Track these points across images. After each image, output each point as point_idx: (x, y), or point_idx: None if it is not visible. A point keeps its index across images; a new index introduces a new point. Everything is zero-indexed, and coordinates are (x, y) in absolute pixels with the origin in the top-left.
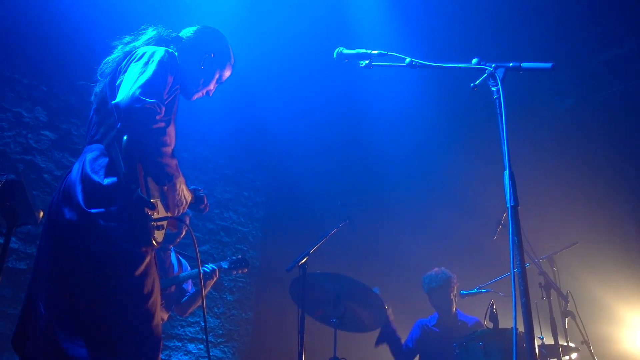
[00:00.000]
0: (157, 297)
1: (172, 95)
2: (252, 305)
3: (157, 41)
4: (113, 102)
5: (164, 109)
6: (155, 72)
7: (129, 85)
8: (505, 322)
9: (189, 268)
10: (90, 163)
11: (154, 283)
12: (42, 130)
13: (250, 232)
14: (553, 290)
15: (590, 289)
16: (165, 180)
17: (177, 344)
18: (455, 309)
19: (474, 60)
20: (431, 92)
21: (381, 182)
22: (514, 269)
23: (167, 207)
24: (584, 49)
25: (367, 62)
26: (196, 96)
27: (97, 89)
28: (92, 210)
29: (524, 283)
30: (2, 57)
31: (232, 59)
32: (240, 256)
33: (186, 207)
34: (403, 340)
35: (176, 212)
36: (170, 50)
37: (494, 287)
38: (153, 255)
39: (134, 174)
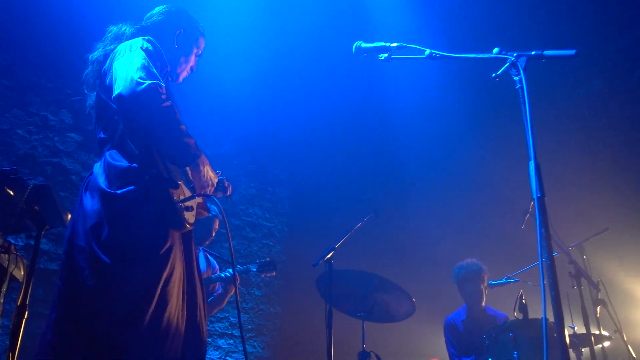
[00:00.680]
0: (176, 284)
1: (164, 78)
2: (279, 300)
3: (128, 37)
4: (114, 95)
5: (164, 88)
6: (143, 58)
7: (123, 76)
8: (536, 313)
9: (217, 267)
10: (110, 156)
11: (175, 269)
12: (68, 132)
13: (275, 227)
14: (584, 278)
15: (621, 276)
16: (188, 158)
17: (207, 339)
18: (485, 303)
19: (495, 50)
20: (453, 83)
21: (405, 174)
22: (542, 260)
23: (193, 191)
24: (610, 29)
25: (386, 55)
26: (182, 76)
27: (90, 101)
28: (118, 192)
29: (553, 275)
30: (27, 62)
31: (201, 28)
32: (268, 259)
33: (213, 189)
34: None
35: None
36: (147, 37)
37: (522, 276)
38: (184, 238)
39: (152, 158)
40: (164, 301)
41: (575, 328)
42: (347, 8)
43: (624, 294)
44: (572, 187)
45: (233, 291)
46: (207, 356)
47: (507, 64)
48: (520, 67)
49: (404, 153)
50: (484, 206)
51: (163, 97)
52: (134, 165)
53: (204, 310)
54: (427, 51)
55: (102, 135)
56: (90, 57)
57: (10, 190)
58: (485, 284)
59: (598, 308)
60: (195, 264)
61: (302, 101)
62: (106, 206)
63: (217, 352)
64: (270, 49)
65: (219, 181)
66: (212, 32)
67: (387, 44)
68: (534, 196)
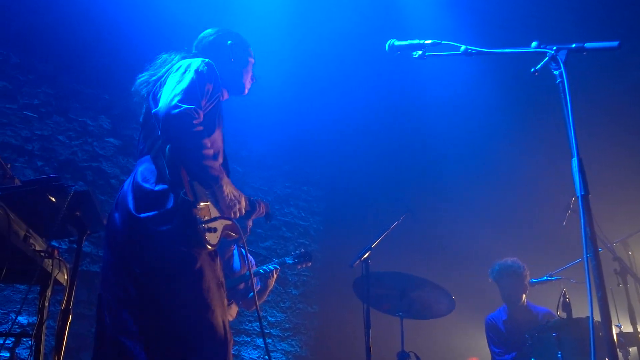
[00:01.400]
0: (216, 297)
1: (214, 103)
2: (317, 299)
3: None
4: (153, 111)
5: (202, 114)
6: (192, 80)
7: (167, 94)
8: (579, 311)
9: (254, 263)
10: (141, 174)
11: (211, 283)
12: (107, 137)
13: (311, 226)
14: (629, 275)
15: None
16: (211, 182)
17: (245, 339)
18: (526, 300)
19: (534, 44)
20: (488, 77)
21: (441, 171)
22: (587, 259)
23: (221, 212)
24: None
25: (420, 52)
26: (247, 87)
27: (143, 109)
28: (142, 215)
29: (599, 275)
30: (66, 69)
31: (245, 39)
32: (302, 250)
33: (241, 209)
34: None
35: (232, 216)
36: (207, 60)
37: (564, 274)
38: (210, 256)
39: (179, 179)
40: (213, 315)
41: (622, 327)
42: (379, 6)
43: None
44: (614, 181)
45: (270, 287)
46: (247, 355)
47: (547, 58)
48: (560, 61)
49: (439, 150)
50: (523, 202)
51: (196, 122)
52: (159, 187)
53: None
54: (463, 47)
55: (141, 145)
56: (138, 80)
57: (53, 197)
58: (526, 282)
59: None
60: (222, 280)
61: (336, 101)
62: (133, 228)
63: (256, 352)
64: (303, 49)
65: (252, 202)
66: (247, 34)
67: (421, 41)
68: (578, 194)
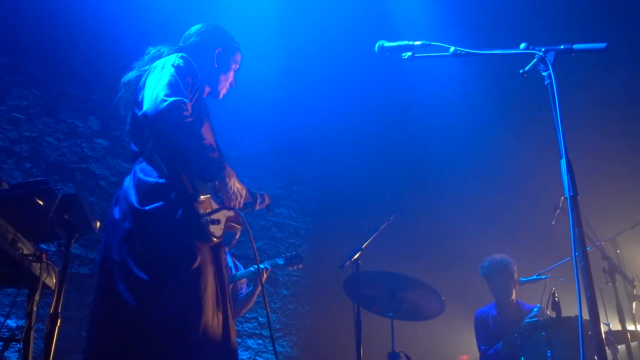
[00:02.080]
0: (211, 295)
1: (196, 94)
2: (307, 299)
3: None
4: (140, 112)
5: (189, 105)
6: (171, 75)
7: (150, 93)
8: (568, 309)
9: (242, 270)
10: (141, 170)
11: (208, 281)
12: (96, 138)
13: (301, 227)
14: (618, 274)
15: None
16: (213, 173)
17: (236, 340)
18: (515, 297)
19: (522, 45)
20: (480, 79)
21: (432, 171)
22: (575, 259)
23: (222, 204)
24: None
25: (409, 54)
26: (222, 93)
27: (129, 118)
28: (147, 208)
29: (588, 275)
30: (54, 70)
31: (237, 44)
32: (294, 252)
33: (242, 201)
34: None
35: (234, 206)
36: (181, 54)
37: (553, 272)
38: (213, 251)
39: (177, 173)
40: (204, 314)
41: (611, 325)
42: (370, 5)
43: None
44: (604, 178)
45: (260, 288)
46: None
47: (535, 59)
48: (548, 62)
49: (430, 150)
50: (512, 201)
51: (186, 112)
52: (161, 181)
53: (233, 318)
54: (452, 49)
55: (134, 148)
56: (123, 79)
57: (40, 200)
58: (515, 278)
59: (634, 304)
60: (225, 276)
61: (326, 100)
62: (137, 222)
63: (247, 352)
64: (293, 48)
65: (252, 194)
66: (236, 33)
67: (411, 43)
68: (567, 195)
